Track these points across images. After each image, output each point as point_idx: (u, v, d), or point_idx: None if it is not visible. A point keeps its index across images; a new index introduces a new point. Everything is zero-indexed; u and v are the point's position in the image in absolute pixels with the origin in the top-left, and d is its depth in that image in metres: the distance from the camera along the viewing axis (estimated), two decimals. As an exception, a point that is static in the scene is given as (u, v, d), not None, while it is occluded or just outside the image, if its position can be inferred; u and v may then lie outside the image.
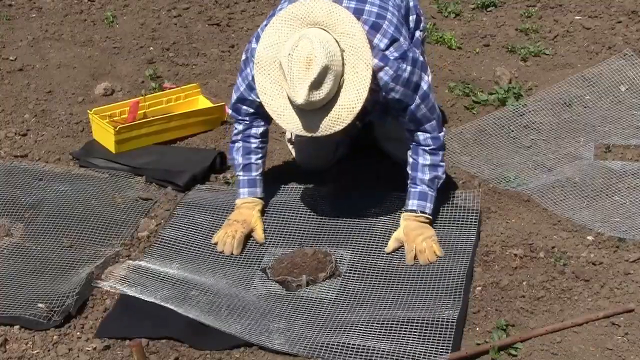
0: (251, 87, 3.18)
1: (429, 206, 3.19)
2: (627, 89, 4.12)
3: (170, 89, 4.22)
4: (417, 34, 3.45)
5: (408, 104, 3.09)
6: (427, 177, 3.18)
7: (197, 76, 4.56)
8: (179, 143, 3.97)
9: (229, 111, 3.39)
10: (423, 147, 3.19)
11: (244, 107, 3.28)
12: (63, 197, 3.54)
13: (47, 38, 5.00)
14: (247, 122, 3.31)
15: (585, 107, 4.03)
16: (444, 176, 3.23)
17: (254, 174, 3.34)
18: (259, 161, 3.35)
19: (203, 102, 4.13)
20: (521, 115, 3.99)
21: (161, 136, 3.93)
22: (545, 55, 4.57)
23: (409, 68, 3.04)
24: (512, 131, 3.89)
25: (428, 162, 3.19)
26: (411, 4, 3.38)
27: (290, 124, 2.99)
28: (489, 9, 5.15)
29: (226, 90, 4.36)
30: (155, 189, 3.63)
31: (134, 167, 3.74)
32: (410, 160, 3.23)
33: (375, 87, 3.03)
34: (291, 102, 2.94)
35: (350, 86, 2.92)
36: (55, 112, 4.23)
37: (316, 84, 2.84)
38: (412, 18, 3.39)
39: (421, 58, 3.17)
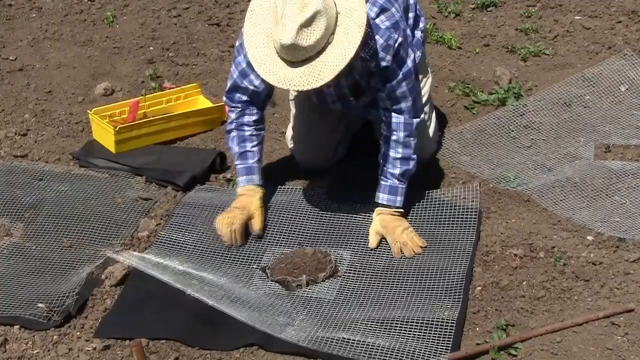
0: (244, 74, 3.19)
1: (399, 199, 3.22)
2: (627, 89, 4.12)
3: (170, 89, 4.23)
4: (418, 34, 3.45)
5: (389, 78, 3.08)
6: (397, 171, 3.20)
7: (197, 76, 4.56)
8: (179, 143, 3.97)
9: (224, 98, 3.38)
10: (395, 139, 3.18)
11: (237, 95, 3.29)
12: (63, 197, 3.54)
13: (47, 38, 5.00)
14: (240, 110, 3.31)
15: (585, 107, 4.03)
16: (415, 168, 3.25)
17: (250, 161, 3.32)
18: (255, 149, 3.33)
19: (203, 102, 4.13)
20: (521, 115, 3.99)
21: (161, 136, 3.93)
22: (545, 55, 4.57)
23: (400, 39, 3.05)
24: (512, 131, 3.89)
25: (399, 156, 3.20)
26: (411, 0, 3.39)
27: (270, 74, 2.91)
28: (489, 9, 5.15)
29: (226, 90, 4.37)
30: (155, 189, 3.63)
31: (134, 167, 3.74)
32: (382, 149, 3.24)
33: (366, 55, 3.02)
34: (277, 51, 2.88)
35: (338, 45, 2.87)
36: (55, 112, 4.23)
37: (306, 25, 2.79)
38: (410, 15, 3.39)
39: (410, 34, 3.16)
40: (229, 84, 3.30)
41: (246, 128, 3.33)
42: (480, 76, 4.41)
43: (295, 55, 2.85)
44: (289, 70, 2.88)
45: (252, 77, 3.21)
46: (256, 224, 3.25)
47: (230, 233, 3.20)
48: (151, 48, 4.86)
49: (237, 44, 3.25)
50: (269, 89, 3.27)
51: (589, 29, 4.80)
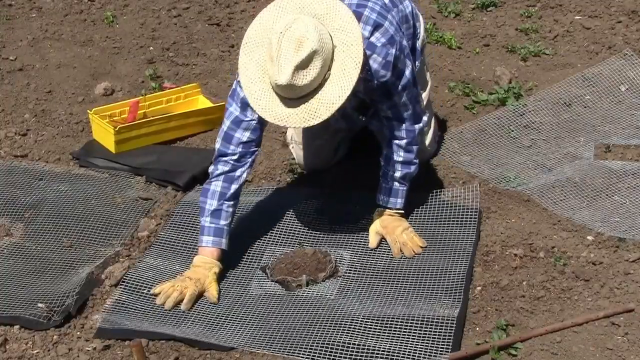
0: (245, 105, 3.01)
1: (399, 202, 3.22)
2: (627, 89, 4.12)
3: (170, 89, 4.22)
4: (417, 44, 3.41)
5: (390, 91, 3.06)
6: (398, 174, 3.19)
7: (197, 76, 4.56)
8: (179, 143, 3.97)
9: (217, 144, 3.09)
10: (397, 142, 3.16)
11: (237, 135, 3.05)
12: (63, 197, 3.54)
13: (47, 38, 5.00)
14: (235, 159, 3.07)
15: (585, 107, 4.03)
16: (416, 172, 3.24)
17: (222, 222, 3.05)
18: (230, 209, 3.07)
19: (203, 102, 4.13)
20: (521, 115, 3.99)
21: (161, 136, 3.93)
22: (545, 55, 4.57)
23: (397, 53, 3.00)
24: (512, 131, 3.89)
25: (401, 159, 3.19)
26: (407, 10, 3.31)
27: (266, 111, 2.83)
28: (489, 9, 5.15)
29: (226, 90, 4.34)
30: (155, 189, 3.63)
31: (134, 167, 3.74)
32: (384, 151, 3.22)
33: (367, 75, 2.98)
34: (272, 87, 2.82)
35: (335, 82, 2.80)
36: (55, 112, 4.23)
37: (302, 66, 2.72)
38: (407, 25, 3.31)
39: (406, 44, 3.12)
40: (226, 125, 3.06)
41: (233, 186, 3.07)
42: (480, 76, 4.41)
43: (291, 94, 2.78)
44: (285, 108, 2.81)
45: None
46: (213, 295, 2.96)
47: (173, 300, 2.92)
48: (151, 48, 4.86)
49: (234, 86, 3.09)
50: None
51: (589, 29, 4.80)
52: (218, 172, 3.09)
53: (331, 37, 2.82)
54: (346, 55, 2.81)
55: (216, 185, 3.07)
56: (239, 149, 3.07)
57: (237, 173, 3.09)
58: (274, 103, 2.82)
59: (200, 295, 2.97)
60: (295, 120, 2.81)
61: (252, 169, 3.20)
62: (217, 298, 2.96)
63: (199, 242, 3.06)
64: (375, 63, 2.97)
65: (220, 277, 3.05)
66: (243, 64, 2.88)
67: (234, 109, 3.07)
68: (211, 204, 3.06)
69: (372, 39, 2.96)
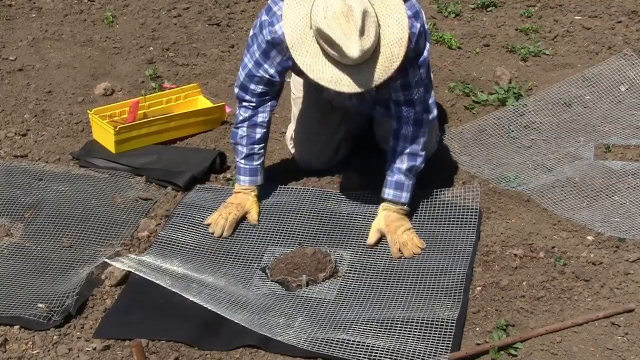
0: (259, 63, 3.16)
1: (404, 195, 3.20)
2: (627, 89, 4.12)
3: (170, 89, 4.23)
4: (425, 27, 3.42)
5: (406, 65, 3.04)
6: (404, 166, 3.18)
7: (197, 76, 4.56)
8: (179, 143, 3.97)
9: (236, 90, 3.31)
10: (404, 132, 3.16)
11: (252, 87, 3.24)
12: (63, 197, 3.54)
13: (47, 38, 5.00)
14: (254, 105, 3.28)
15: (585, 107, 4.03)
16: (422, 165, 3.23)
17: (255, 163, 3.37)
18: (262, 150, 3.37)
19: (203, 102, 4.13)
20: (521, 115, 3.99)
21: (161, 136, 3.93)
22: (545, 55, 4.57)
23: (421, 29, 3.05)
24: (512, 131, 3.89)
25: (407, 151, 3.18)
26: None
27: (349, 87, 2.87)
28: (489, 9, 5.15)
29: (226, 90, 4.37)
30: (155, 189, 3.63)
31: (134, 167, 3.74)
32: (391, 143, 3.22)
33: None
34: (341, 63, 2.86)
35: (389, 22, 2.86)
36: (55, 112, 4.23)
37: (362, 30, 2.78)
38: None
39: (426, 25, 3.16)
40: (243, 74, 3.24)
41: (258, 130, 3.33)
42: (480, 76, 4.42)
43: (363, 57, 2.83)
44: (361, 73, 2.86)
45: (266, 66, 3.16)
46: (252, 218, 3.33)
47: (221, 228, 3.27)
48: (151, 48, 4.86)
49: (251, 32, 3.20)
50: (283, 78, 3.26)
51: (589, 29, 4.80)
52: (241, 117, 3.34)
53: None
54: (384, 5, 2.89)
55: (243, 131, 3.34)
56: (255, 99, 3.28)
57: (259, 119, 3.32)
58: (348, 78, 2.87)
59: (243, 217, 3.33)
60: (377, 75, 2.87)
61: (272, 114, 3.38)
62: (256, 220, 3.32)
63: (237, 180, 3.40)
64: None
65: (221, 278, 3.05)
66: (303, 63, 2.92)
67: (247, 61, 3.22)
68: (242, 147, 3.35)
69: None
